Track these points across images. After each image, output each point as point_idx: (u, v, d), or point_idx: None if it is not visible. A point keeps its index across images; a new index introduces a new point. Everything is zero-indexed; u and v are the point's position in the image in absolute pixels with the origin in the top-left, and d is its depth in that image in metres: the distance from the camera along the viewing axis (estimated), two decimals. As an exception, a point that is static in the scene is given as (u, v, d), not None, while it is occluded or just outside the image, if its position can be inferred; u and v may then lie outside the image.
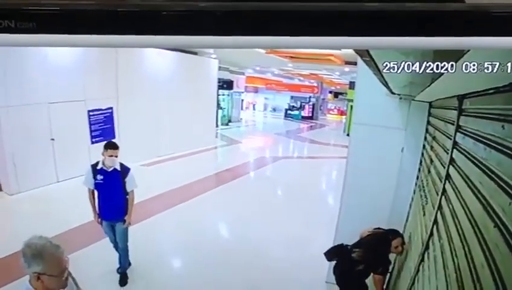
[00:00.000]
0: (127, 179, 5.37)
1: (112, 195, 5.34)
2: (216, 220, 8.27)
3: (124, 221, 5.44)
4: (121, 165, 5.37)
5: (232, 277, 5.85)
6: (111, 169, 5.28)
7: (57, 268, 2.22)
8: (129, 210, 5.45)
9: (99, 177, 5.27)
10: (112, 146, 5.28)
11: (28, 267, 2.20)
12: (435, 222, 3.56)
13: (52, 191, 8.88)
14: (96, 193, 5.37)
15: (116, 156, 5.23)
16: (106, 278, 5.56)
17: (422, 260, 3.77)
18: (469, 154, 2.68)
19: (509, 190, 1.84)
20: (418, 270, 3.83)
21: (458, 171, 2.96)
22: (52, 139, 9.18)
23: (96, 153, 10.14)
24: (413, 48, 1.60)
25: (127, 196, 5.43)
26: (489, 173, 2.13)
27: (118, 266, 5.69)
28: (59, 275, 2.23)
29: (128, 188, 5.40)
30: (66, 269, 2.27)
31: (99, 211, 5.39)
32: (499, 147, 2.04)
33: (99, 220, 5.43)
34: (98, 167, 5.29)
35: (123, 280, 5.63)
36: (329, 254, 4.80)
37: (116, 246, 5.61)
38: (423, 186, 4.67)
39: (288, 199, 10.31)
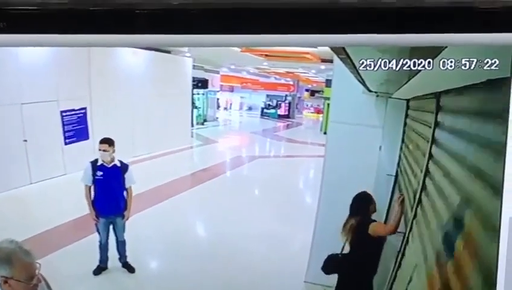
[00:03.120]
0: (127, 175, 5.50)
1: (112, 191, 5.45)
2: (193, 219, 8.21)
3: (123, 216, 5.58)
4: (120, 161, 5.49)
5: (210, 275, 5.81)
6: (111, 165, 5.36)
7: (25, 274, 2.19)
8: (129, 205, 5.58)
9: (99, 173, 5.35)
10: (102, 141, 5.39)
11: None
12: (414, 216, 3.58)
13: (25, 193, 8.62)
14: (92, 190, 5.43)
15: (106, 151, 5.30)
16: (82, 279, 5.49)
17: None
18: (447, 150, 2.68)
19: (485, 182, 1.83)
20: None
21: (437, 168, 2.95)
22: (25, 141, 8.94)
23: (70, 154, 10.07)
24: (389, 44, 1.57)
25: (125, 192, 5.55)
26: (469, 169, 2.12)
27: (97, 262, 5.68)
28: (27, 280, 2.20)
29: (128, 184, 5.53)
30: (35, 275, 2.24)
31: (98, 207, 5.46)
32: (478, 143, 2.03)
33: (96, 216, 5.49)
34: (98, 163, 5.35)
35: (129, 267, 5.76)
36: (326, 268, 4.75)
37: (104, 245, 5.64)
38: (402, 184, 4.69)
39: (266, 198, 10.28)
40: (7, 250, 2.12)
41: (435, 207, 2.80)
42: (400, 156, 5.31)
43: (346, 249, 4.52)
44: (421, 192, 3.55)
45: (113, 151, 5.29)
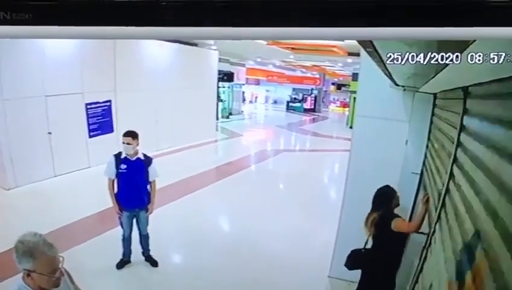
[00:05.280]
0: (150, 168, 5.47)
1: (136, 184, 5.42)
2: (217, 214, 8.22)
3: (147, 209, 5.56)
4: (144, 154, 5.46)
5: (233, 270, 5.79)
6: (135, 158, 5.35)
7: (48, 267, 2.17)
8: (152, 199, 5.57)
9: (123, 166, 5.34)
10: (126, 134, 5.32)
11: (19, 264, 2.16)
12: (439, 217, 3.52)
13: (49, 186, 8.81)
14: (116, 183, 5.41)
15: (130, 144, 5.25)
16: (106, 273, 5.53)
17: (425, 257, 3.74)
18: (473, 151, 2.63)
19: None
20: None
21: (462, 168, 2.91)
22: (49, 133, 9.10)
23: (94, 146, 10.23)
24: (417, 38, 1.55)
25: (149, 186, 5.52)
26: (495, 172, 2.08)
27: (120, 256, 5.70)
28: (50, 274, 2.18)
29: (151, 177, 5.50)
30: (57, 269, 2.22)
31: (121, 200, 5.42)
32: (505, 143, 1.99)
33: (120, 210, 5.46)
34: (122, 157, 5.35)
35: (152, 261, 5.79)
36: (349, 263, 4.71)
37: (127, 239, 5.64)
38: (428, 180, 4.62)
39: (290, 193, 10.26)
40: (30, 243, 2.09)
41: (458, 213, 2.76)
42: (426, 151, 5.23)
43: (369, 245, 4.49)
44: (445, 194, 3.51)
45: (137, 145, 5.23)
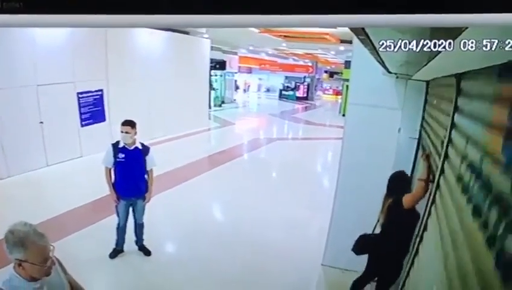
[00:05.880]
0: (148, 157, 5.48)
1: (133, 173, 5.44)
2: (210, 203, 8.22)
3: (145, 198, 5.57)
4: (142, 144, 5.47)
5: (226, 259, 5.80)
6: (133, 147, 5.36)
7: (39, 257, 2.18)
8: (150, 187, 5.58)
9: (121, 155, 5.35)
10: (125, 123, 5.32)
11: (10, 254, 2.17)
12: (433, 201, 3.53)
13: (41, 175, 8.79)
14: (113, 171, 5.42)
15: (128, 133, 5.26)
16: (98, 262, 5.52)
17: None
18: (467, 133, 2.64)
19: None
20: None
21: (456, 151, 2.91)
22: (41, 123, 9.04)
23: (86, 136, 10.19)
24: (410, 25, 1.54)
25: (146, 175, 5.54)
26: (488, 155, 2.09)
27: (112, 245, 5.68)
28: (41, 263, 2.18)
29: (149, 166, 5.52)
30: (48, 258, 2.23)
31: (119, 189, 5.43)
32: (497, 127, 1.99)
33: (117, 198, 5.46)
34: (120, 146, 5.35)
35: (145, 251, 5.79)
36: (358, 248, 4.67)
37: (122, 228, 5.63)
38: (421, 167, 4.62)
39: (283, 181, 10.28)
40: (21, 233, 2.09)
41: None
42: (418, 138, 5.24)
43: (377, 231, 4.48)
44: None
45: (135, 134, 5.26)
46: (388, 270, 4.38)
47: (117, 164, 5.36)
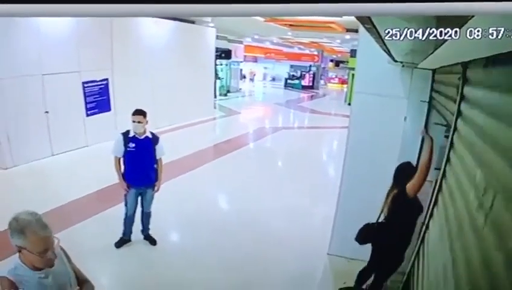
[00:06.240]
0: (157, 147, 5.53)
1: (143, 162, 5.47)
2: (215, 192, 8.22)
3: (154, 187, 5.62)
4: (152, 133, 5.51)
5: (231, 248, 5.80)
6: (143, 137, 5.40)
7: (38, 247, 2.19)
8: (159, 176, 5.64)
9: (131, 145, 5.38)
10: (136, 112, 5.35)
11: (11, 238, 2.20)
12: (439, 190, 3.54)
13: (47, 165, 8.82)
14: (122, 161, 5.45)
15: (140, 122, 5.31)
16: (104, 251, 5.54)
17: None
18: (473, 122, 2.64)
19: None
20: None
21: (462, 140, 2.91)
22: (47, 112, 9.06)
23: (92, 125, 10.21)
24: (416, 14, 1.54)
25: (155, 164, 5.59)
26: (493, 143, 2.09)
27: (118, 235, 5.71)
28: (40, 254, 2.21)
29: (158, 155, 5.56)
30: (49, 249, 2.24)
31: (129, 178, 5.47)
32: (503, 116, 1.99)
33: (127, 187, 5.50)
34: (130, 135, 5.38)
35: (151, 240, 5.82)
36: (361, 238, 4.67)
37: (130, 217, 5.66)
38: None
39: (289, 170, 10.27)
40: (24, 222, 2.11)
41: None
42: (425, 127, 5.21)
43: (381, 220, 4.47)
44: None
45: (146, 123, 5.31)
46: (388, 260, 4.40)
47: (127, 153, 5.39)
